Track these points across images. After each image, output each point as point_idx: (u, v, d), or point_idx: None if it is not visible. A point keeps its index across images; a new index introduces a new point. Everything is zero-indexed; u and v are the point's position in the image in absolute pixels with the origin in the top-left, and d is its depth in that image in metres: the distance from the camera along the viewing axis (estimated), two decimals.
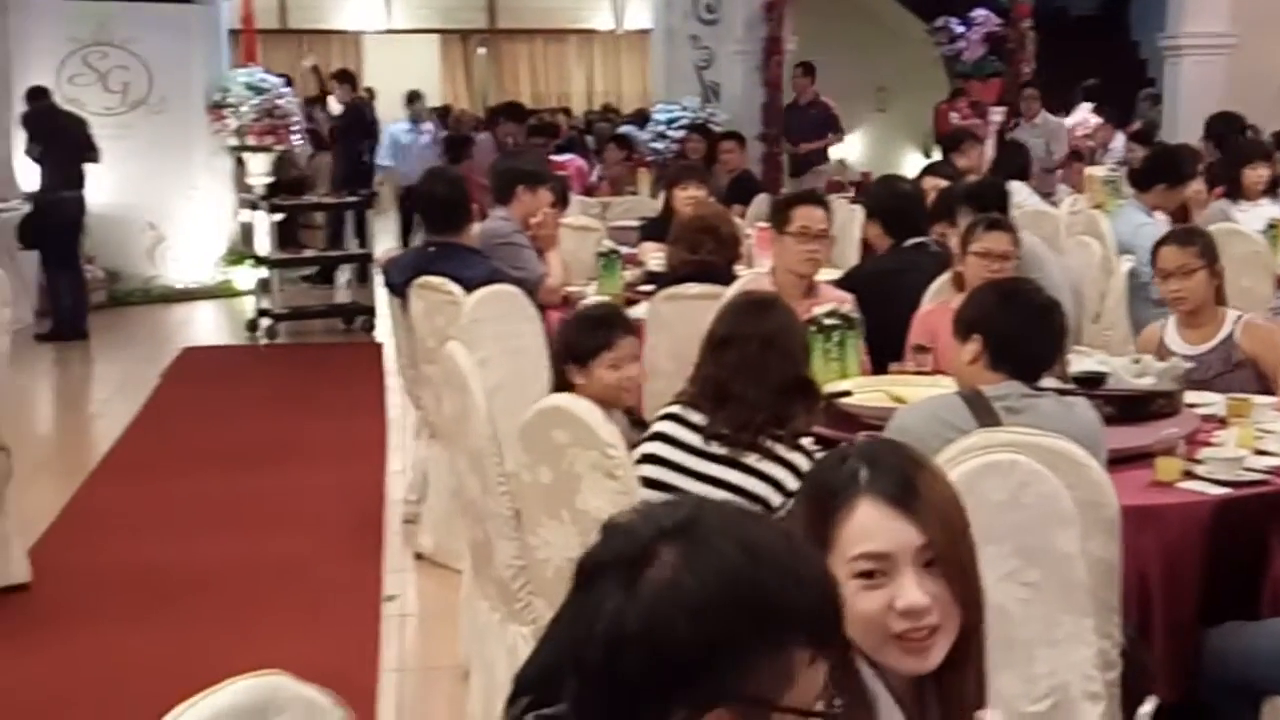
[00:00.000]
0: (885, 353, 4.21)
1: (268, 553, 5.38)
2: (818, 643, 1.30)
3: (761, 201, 8.58)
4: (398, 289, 5.36)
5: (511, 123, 10.82)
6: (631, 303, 5.25)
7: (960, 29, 11.63)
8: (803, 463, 2.97)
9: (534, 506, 3.03)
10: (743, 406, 2.97)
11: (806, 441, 3.44)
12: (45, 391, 8.74)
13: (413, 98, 12.73)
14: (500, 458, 3.33)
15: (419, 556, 5.27)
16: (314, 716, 1.55)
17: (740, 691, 1.26)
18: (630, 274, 5.96)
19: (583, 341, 3.45)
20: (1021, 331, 3.05)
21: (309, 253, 10.74)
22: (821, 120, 11.50)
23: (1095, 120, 11.80)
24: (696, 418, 3.02)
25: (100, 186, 10.43)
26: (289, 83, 12.08)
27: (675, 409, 3.08)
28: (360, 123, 12.85)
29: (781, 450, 2.98)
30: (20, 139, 9.98)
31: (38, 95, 9.85)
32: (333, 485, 6.26)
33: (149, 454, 6.91)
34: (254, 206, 10.30)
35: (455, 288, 4.92)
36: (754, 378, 2.99)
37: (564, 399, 2.91)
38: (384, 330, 9.96)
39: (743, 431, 2.97)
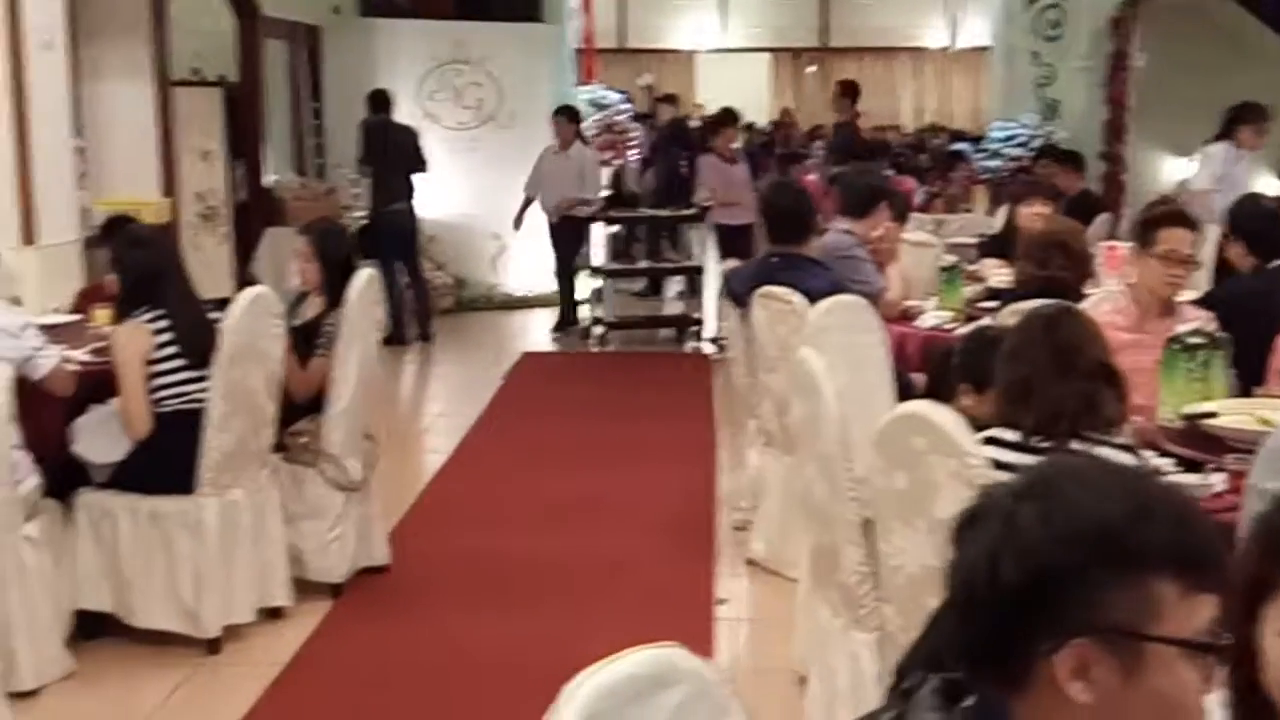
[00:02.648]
0: (1249, 376, 4.03)
1: (603, 549, 5.57)
2: (1185, 574, 1.32)
3: (1103, 221, 8.32)
4: (740, 298, 5.45)
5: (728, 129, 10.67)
6: (972, 319, 5.19)
7: None
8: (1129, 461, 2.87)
9: (887, 513, 3.04)
10: (1047, 400, 2.91)
11: (1166, 463, 3.35)
12: (396, 389, 9.25)
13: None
14: (850, 463, 3.35)
15: (750, 562, 5.34)
16: (707, 691, 1.61)
17: (1098, 623, 1.31)
18: (970, 290, 5.89)
19: (986, 364, 3.38)
20: None
21: (643, 264, 11.00)
22: (845, 142, 11.20)
23: None
24: (1011, 435, 2.96)
25: (450, 198, 10.99)
26: (628, 99, 12.42)
27: (990, 431, 3.01)
28: (678, 139, 13.02)
29: (1105, 453, 2.89)
30: None
31: (379, 105, 10.08)
32: (663, 488, 6.42)
33: (492, 451, 7.24)
34: (591, 219, 10.62)
35: (797, 298, 4.97)
36: (1054, 371, 2.93)
37: (924, 406, 2.91)
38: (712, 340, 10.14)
39: (1055, 424, 2.90)
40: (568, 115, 10.66)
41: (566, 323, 10.63)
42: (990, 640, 1.36)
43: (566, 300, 10.70)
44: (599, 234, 10.68)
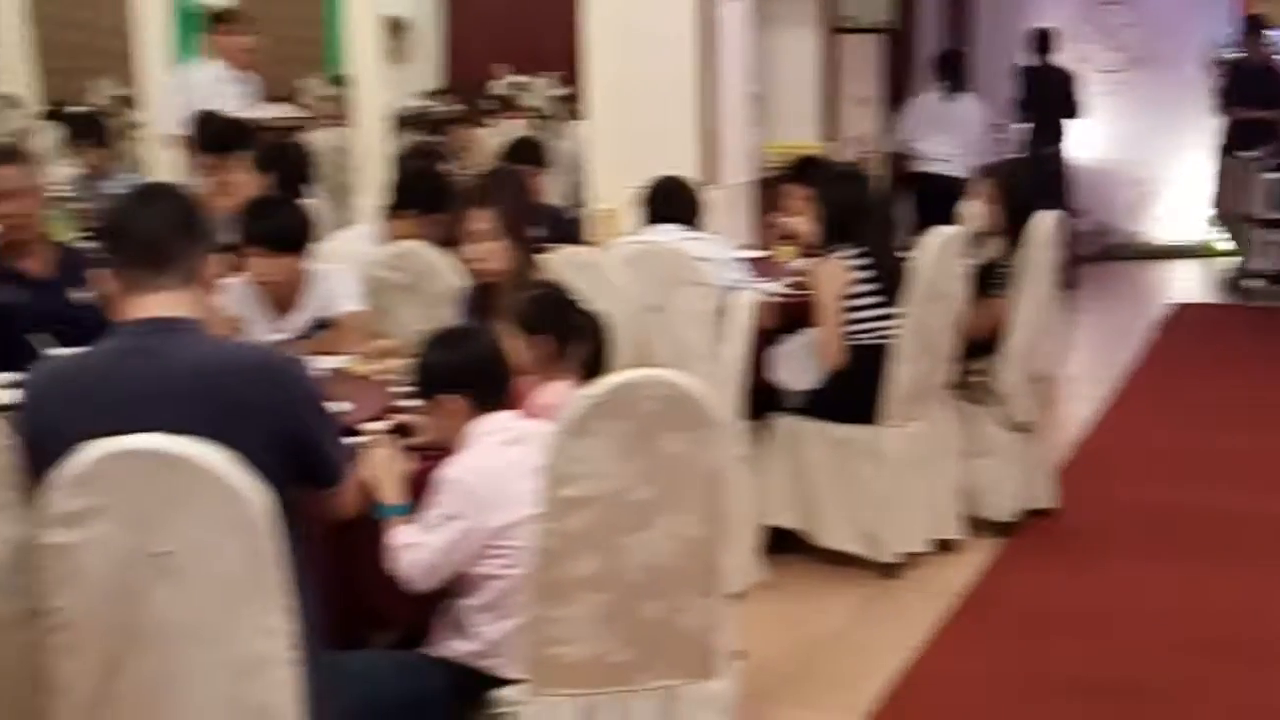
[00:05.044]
0: None
1: None
2: None
3: None
4: None
5: None
6: None
7: None
8: None
9: None
10: None
11: None
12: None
13: None
14: None
15: None
16: None
17: None
18: None
19: None
20: None
21: None
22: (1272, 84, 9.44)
23: None
24: None
25: (1093, 142, 10.66)
26: None
27: None
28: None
29: None
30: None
31: (1041, 46, 9.97)
32: None
33: (1151, 402, 7.03)
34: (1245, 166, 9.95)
35: None
36: None
37: None
38: None
39: None
40: None
41: None
42: None
43: None
44: (1255, 182, 9.94)
